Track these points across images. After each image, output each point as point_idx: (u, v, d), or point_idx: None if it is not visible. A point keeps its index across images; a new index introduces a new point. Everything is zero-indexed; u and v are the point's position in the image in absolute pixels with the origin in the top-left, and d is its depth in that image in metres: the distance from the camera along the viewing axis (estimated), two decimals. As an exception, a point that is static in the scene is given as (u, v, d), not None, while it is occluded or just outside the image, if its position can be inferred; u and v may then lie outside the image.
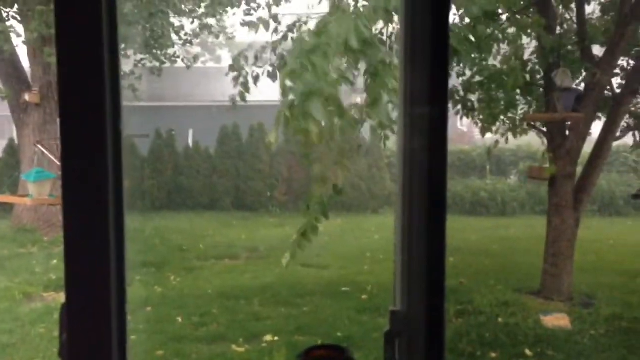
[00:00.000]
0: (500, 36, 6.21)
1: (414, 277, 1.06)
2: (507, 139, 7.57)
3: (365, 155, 14.37)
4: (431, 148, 1.00)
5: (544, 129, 6.74)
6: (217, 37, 13.71)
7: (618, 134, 6.95)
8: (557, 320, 5.61)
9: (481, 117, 6.94)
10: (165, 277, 7.67)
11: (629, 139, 7.60)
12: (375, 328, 5.51)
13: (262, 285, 7.09)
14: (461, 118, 7.14)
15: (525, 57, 6.75)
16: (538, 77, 6.76)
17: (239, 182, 13.29)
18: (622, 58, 6.82)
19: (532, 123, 6.99)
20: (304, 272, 7.70)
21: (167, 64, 12.80)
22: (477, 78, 6.59)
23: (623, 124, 7.14)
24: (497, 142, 7.29)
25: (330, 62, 3.70)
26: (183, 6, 11.98)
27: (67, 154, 0.94)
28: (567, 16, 6.82)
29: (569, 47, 6.59)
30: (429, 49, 0.97)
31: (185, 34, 12.81)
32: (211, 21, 12.79)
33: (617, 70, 6.92)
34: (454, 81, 6.76)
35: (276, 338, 5.38)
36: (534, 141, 10.15)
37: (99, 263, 0.96)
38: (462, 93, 6.87)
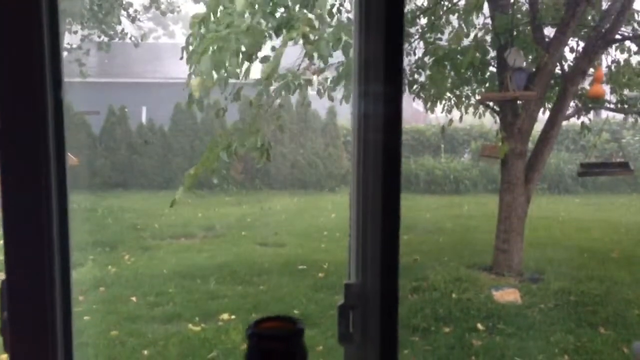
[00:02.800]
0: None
1: (368, 252, 1.06)
2: (461, 118, 7.68)
3: (321, 133, 14.38)
4: (386, 126, 0.99)
5: (497, 108, 6.85)
6: (164, 14, 13.39)
7: (568, 113, 7.13)
8: (508, 295, 5.76)
9: (429, 94, 7.01)
10: (119, 257, 7.55)
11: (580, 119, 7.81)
12: (331, 305, 5.56)
13: (219, 264, 7.05)
14: (414, 99, 7.20)
15: (478, 36, 6.83)
16: (490, 56, 6.85)
17: (195, 160, 13.12)
18: (572, 39, 6.97)
19: (486, 102, 7.10)
20: (260, 251, 7.70)
21: (117, 40, 12.48)
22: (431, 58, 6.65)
23: (574, 105, 7.33)
24: (451, 120, 7.38)
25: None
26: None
27: (5, 126, 0.90)
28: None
29: (521, 27, 6.68)
30: (383, 26, 0.95)
31: (135, 11, 12.48)
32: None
33: (567, 51, 7.07)
34: (405, 61, 6.80)
35: (233, 316, 5.37)
36: (487, 121, 10.32)
37: (39, 241, 0.92)
38: (414, 72, 6.94)
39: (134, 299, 5.89)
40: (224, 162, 5.48)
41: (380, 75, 0.98)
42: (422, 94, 7.20)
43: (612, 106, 7.62)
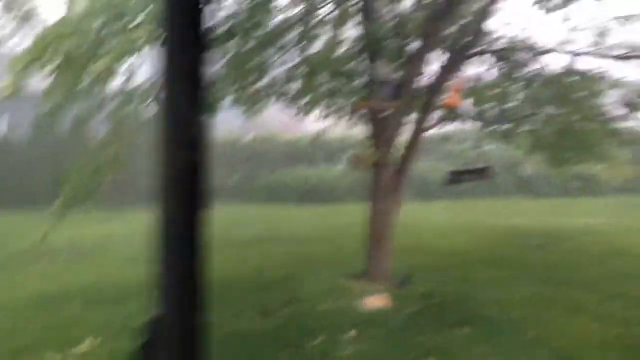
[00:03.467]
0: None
1: (170, 282, 1.01)
2: (332, 128, 7.84)
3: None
4: (188, 144, 0.95)
5: (367, 118, 7.05)
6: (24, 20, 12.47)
7: (432, 123, 7.50)
8: (379, 301, 5.92)
9: (302, 104, 7.09)
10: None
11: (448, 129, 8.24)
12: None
13: (85, 285, 6.66)
14: (285, 107, 7.25)
15: (349, 46, 7.02)
16: (360, 67, 7.06)
17: (59, 175, 12.34)
18: (435, 52, 7.35)
19: (358, 111, 7.30)
20: (130, 269, 7.37)
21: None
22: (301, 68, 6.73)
23: (439, 115, 7.72)
24: (323, 131, 7.51)
25: None
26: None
27: None
28: (387, 9, 7.18)
29: (389, 40, 6.94)
30: (182, 42, 0.92)
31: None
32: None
33: (431, 64, 7.44)
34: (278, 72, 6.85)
35: (98, 340, 5.06)
36: (360, 131, 10.62)
37: None
38: (285, 83, 6.99)
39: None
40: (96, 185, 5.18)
41: (181, 92, 0.94)
42: (295, 105, 7.27)
43: (474, 117, 8.11)
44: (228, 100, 6.88)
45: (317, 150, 14.87)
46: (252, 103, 7.01)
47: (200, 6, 0.96)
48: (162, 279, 0.98)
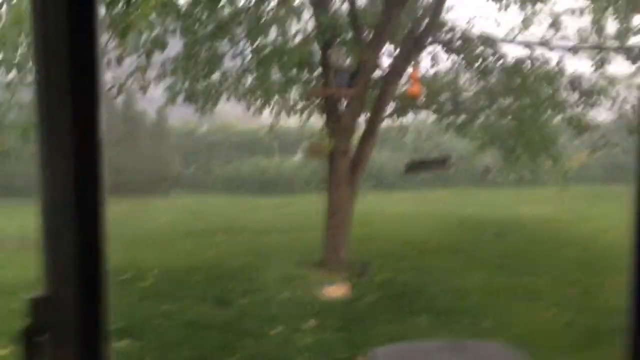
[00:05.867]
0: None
1: (61, 260, 0.91)
2: (287, 116, 7.74)
3: (151, 135, 13.79)
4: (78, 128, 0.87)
5: (323, 108, 6.99)
6: None
7: (388, 113, 7.49)
8: (337, 290, 5.87)
9: (256, 97, 6.97)
10: None
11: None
12: (158, 314, 5.28)
13: (31, 279, 6.40)
14: (239, 100, 7.14)
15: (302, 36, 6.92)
16: (314, 57, 6.98)
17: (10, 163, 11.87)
18: (389, 43, 7.33)
19: (311, 98, 7.23)
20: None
21: None
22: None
23: (393, 106, 7.70)
24: (276, 120, 7.40)
25: None
26: None
27: None
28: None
29: (343, 28, 6.87)
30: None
31: None
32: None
33: (386, 54, 7.42)
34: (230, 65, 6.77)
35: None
36: (317, 120, 10.56)
37: None
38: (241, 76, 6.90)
39: None
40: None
41: (67, 72, 0.86)
42: (248, 99, 7.16)
43: (429, 108, 8.13)
44: (181, 95, 6.75)
45: (274, 140, 14.74)
46: (204, 100, 6.89)
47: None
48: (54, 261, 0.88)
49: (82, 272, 0.91)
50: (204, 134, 15.23)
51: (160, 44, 5.43)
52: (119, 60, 5.34)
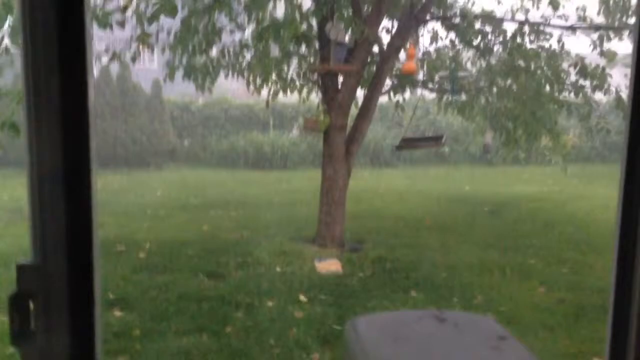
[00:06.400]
0: None
1: (50, 229, 0.91)
2: (284, 93, 7.69)
3: (146, 108, 13.71)
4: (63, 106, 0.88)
5: (320, 83, 6.95)
6: None
7: (385, 90, 7.44)
8: (330, 265, 5.91)
9: (255, 74, 6.92)
10: None
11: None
12: (152, 286, 5.31)
13: (24, 250, 6.41)
14: (236, 77, 7.10)
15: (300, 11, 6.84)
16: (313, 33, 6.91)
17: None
18: (387, 19, 7.27)
19: (310, 75, 7.18)
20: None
21: None
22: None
23: (390, 83, 7.65)
24: (274, 94, 7.35)
25: None
26: None
27: None
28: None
29: (342, 1, 6.81)
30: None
31: None
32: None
33: (384, 31, 7.36)
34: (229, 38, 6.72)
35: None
36: (314, 96, 10.52)
37: None
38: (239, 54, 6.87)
39: None
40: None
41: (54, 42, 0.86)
42: (248, 73, 7.10)
43: (427, 85, 8.09)
44: (179, 70, 6.71)
45: (270, 115, 14.69)
46: (202, 76, 6.84)
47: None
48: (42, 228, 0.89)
49: (71, 241, 0.91)
50: (200, 107, 15.17)
51: (170, 8, 5.25)
52: (122, 23, 5.29)
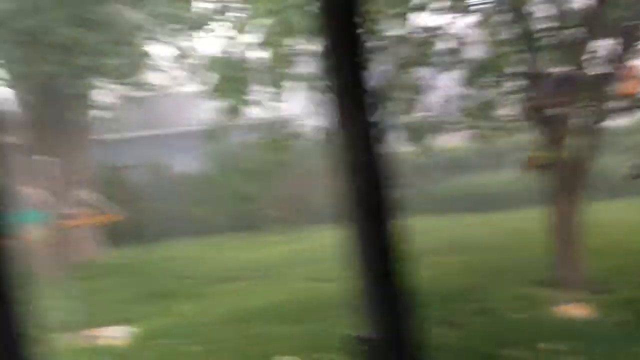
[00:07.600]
0: None
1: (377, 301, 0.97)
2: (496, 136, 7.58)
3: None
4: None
5: (534, 118, 6.69)
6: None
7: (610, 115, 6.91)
8: (576, 309, 5.52)
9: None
10: (171, 307, 7.51)
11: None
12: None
13: (272, 304, 6.95)
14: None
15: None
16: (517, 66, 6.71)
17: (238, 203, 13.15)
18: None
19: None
20: (313, 287, 7.55)
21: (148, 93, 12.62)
22: None
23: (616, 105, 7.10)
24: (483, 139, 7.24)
25: None
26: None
27: None
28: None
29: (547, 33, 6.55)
30: None
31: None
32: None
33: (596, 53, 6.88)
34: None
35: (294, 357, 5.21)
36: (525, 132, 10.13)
37: None
38: None
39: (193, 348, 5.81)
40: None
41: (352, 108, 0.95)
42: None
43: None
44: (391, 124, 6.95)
45: (481, 156, 14.41)
46: (419, 133, 7.00)
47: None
48: (367, 297, 0.98)
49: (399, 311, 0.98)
50: (408, 155, 15.36)
51: None
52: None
